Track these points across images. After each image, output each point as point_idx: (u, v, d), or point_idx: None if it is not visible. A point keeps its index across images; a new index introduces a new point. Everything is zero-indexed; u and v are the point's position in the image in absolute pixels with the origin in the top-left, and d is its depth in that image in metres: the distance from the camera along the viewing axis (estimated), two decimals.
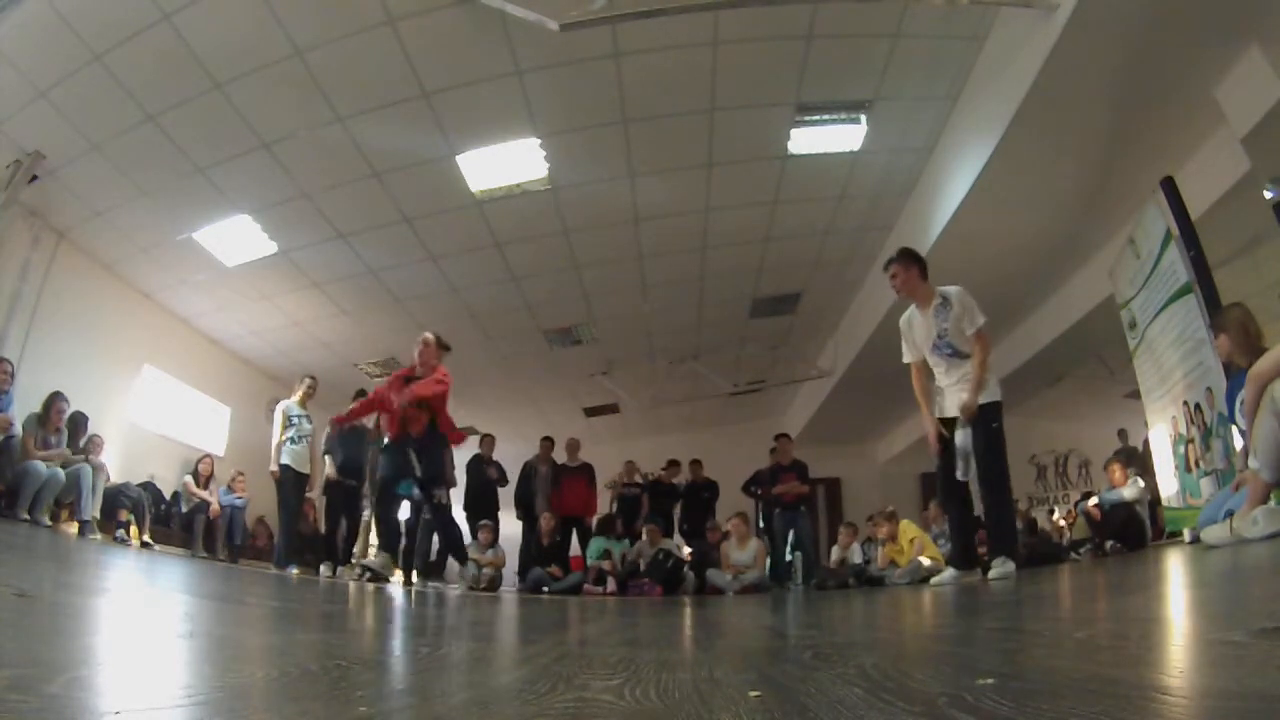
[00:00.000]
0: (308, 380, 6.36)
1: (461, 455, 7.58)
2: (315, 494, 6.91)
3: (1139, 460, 6.81)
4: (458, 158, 5.69)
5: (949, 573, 3.91)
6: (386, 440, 4.89)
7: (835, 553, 7.39)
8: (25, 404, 5.57)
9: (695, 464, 8.39)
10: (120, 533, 6.01)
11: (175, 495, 7.15)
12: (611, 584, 6.96)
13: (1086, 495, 7.93)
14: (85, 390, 6.22)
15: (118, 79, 4.71)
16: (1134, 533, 5.76)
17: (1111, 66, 4.09)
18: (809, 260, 7.48)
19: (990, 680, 0.76)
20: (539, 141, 5.60)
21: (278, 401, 6.39)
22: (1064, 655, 1.02)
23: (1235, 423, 3.49)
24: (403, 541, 6.38)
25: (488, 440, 7.79)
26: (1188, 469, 4.57)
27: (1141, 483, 6.01)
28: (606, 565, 7.03)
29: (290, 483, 6.01)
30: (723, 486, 8.25)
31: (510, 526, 7.72)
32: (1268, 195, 3.98)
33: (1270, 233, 4.01)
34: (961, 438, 3.62)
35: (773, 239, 7.00)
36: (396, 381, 4.79)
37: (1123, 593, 2.22)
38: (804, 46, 4.80)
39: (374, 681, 0.99)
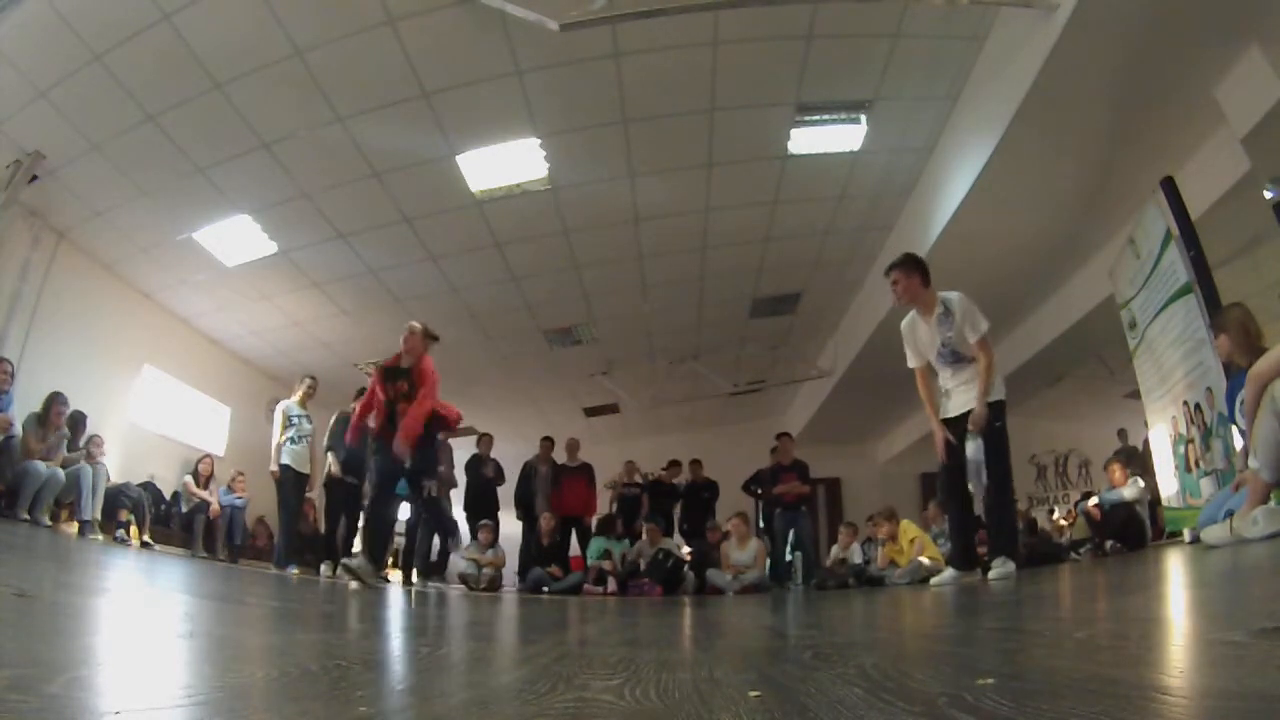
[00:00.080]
0: (308, 380, 6.37)
1: (460, 456, 7.59)
2: (315, 494, 6.92)
3: (1139, 460, 6.81)
4: (458, 158, 5.69)
5: (949, 573, 3.91)
6: (375, 436, 4.79)
7: (835, 552, 7.39)
8: (25, 404, 5.56)
9: (695, 464, 8.39)
10: (120, 533, 6.01)
11: (175, 495, 7.15)
12: (612, 584, 6.96)
13: (1086, 495, 7.92)
14: (85, 390, 6.22)
15: (118, 79, 4.71)
16: (1134, 533, 5.76)
17: (1111, 66, 4.09)
18: (809, 260, 7.48)
19: (990, 680, 0.76)
20: (539, 141, 5.60)
21: (278, 401, 6.39)
22: (1064, 655, 1.02)
23: (1235, 423, 3.49)
24: (400, 543, 6.38)
25: (485, 439, 7.79)
26: (1188, 469, 4.57)
27: (1141, 483, 6.01)
28: (607, 565, 7.03)
29: (290, 483, 6.01)
30: (723, 486, 8.25)
31: (510, 526, 7.72)
32: (1268, 195, 3.98)
33: (1270, 233, 4.01)
34: (974, 450, 3.57)
35: (773, 239, 7.00)
36: (380, 375, 4.75)
37: (1123, 593, 2.22)
38: (804, 46, 4.80)
39: (374, 681, 0.99)
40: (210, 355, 8.40)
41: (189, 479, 7.13)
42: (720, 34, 4.66)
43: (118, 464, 6.51)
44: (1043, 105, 4.30)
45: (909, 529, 6.23)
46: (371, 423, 4.80)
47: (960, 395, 3.79)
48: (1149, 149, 4.72)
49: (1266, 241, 4.25)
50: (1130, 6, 3.67)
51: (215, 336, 8.34)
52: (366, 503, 4.84)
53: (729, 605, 4.29)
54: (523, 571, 7.25)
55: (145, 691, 0.77)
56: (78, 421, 5.99)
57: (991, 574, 3.51)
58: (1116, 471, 6.25)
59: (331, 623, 2.10)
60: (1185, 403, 4.50)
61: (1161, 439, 5.08)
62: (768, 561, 7.13)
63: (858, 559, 7.05)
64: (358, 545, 5.88)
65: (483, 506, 7.43)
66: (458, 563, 7.05)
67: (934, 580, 4.16)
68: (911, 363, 3.97)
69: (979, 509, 3.69)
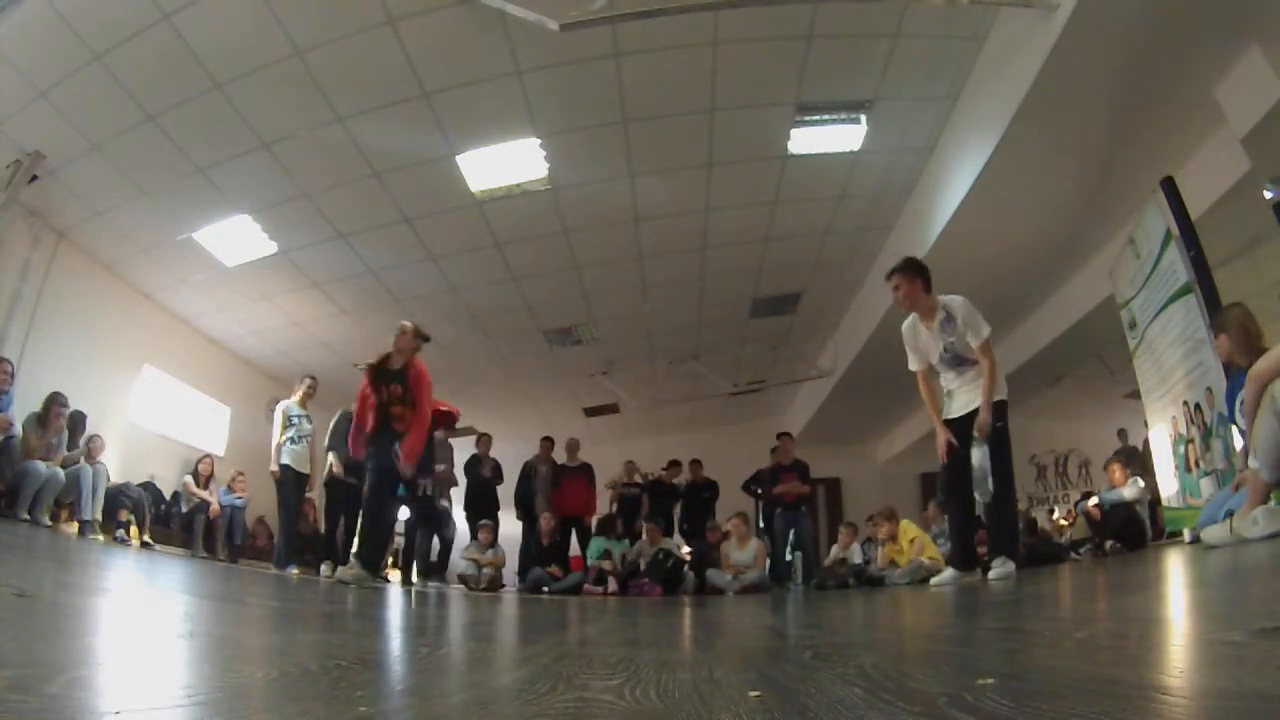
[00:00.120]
0: (308, 380, 6.36)
1: (460, 456, 7.59)
2: (315, 494, 6.91)
3: (1139, 460, 6.81)
4: (458, 158, 5.69)
5: (949, 573, 3.91)
6: (370, 439, 4.74)
7: (835, 551, 7.38)
8: (25, 404, 5.56)
9: (695, 464, 8.39)
10: (120, 533, 6.01)
11: (175, 495, 7.15)
12: (612, 584, 6.96)
13: (1086, 495, 7.92)
14: (85, 390, 6.22)
15: (118, 79, 4.71)
16: (1134, 533, 5.75)
17: (1111, 66, 4.09)
18: (809, 260, 7.48)
19: (990, 680, 0.76)
20: (539, 141, 5.60)
21: (278, 401, 6.39)
22: (1064, 655, 1.02)
23: (1235, 423, 3.49)
24: (399, 543, 6.37)
25: (484, 439, 7.79)
26: (1188, 469, 4.57)
27: (1141, 483, 6.01)
28: (607, 565, 7.03)
29: (290, 483, 6.01)
30: (723, 486, 8.26)
31: (510, 526, 7.72)
32: (1268, 195, 3.98)
33: (1270, 233, 4.01)
34: (979, 457, 3.56)
35: (773, 239, 7.00)
36: (371, 375, 4.72)
37: (1123, 593, 2.22)
38: (804, 46, 4.80)
39: (374, 681, 0.99)
40: (210, 355, 8.40)
41: (189, 479, 7.13)
42: (720, 34, 4.66)
43: (118, 464, 6.51)
44: (1043, 105, 4.30)
45: (909, 529, 6.23)
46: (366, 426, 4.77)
47: (963, 396, 3.79)
48: (1149, 149, 4.72)
49: (1266, 241, 4.25)
50: (1130, 6, 3.67)
51: (215, 336, 8.34)
52: (363, 505, 4.80)
53: (729, 605, 4.29)
54: (523, 571, 7.25)
55: (145, 691, 0.77)
56: (77, 421, 5.99)
57: (991, 574, 3.51)
58: (1116, 471, 6.24)
59: (331, 623, 2.11)
60: (1185, 403, 4.50)
61: (1161, 439, 5.08)
62: (768, 561, 7.13)
63: (858, 559, 7.04)
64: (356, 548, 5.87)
65: (483, 506, 7.43)
66: (458, 563, 7.05)
67: (934, 580, 4.16)
68: (913, 366, 3.96)
69: (980, 510, 3.69)
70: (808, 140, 5.71)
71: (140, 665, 0.95)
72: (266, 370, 9.03)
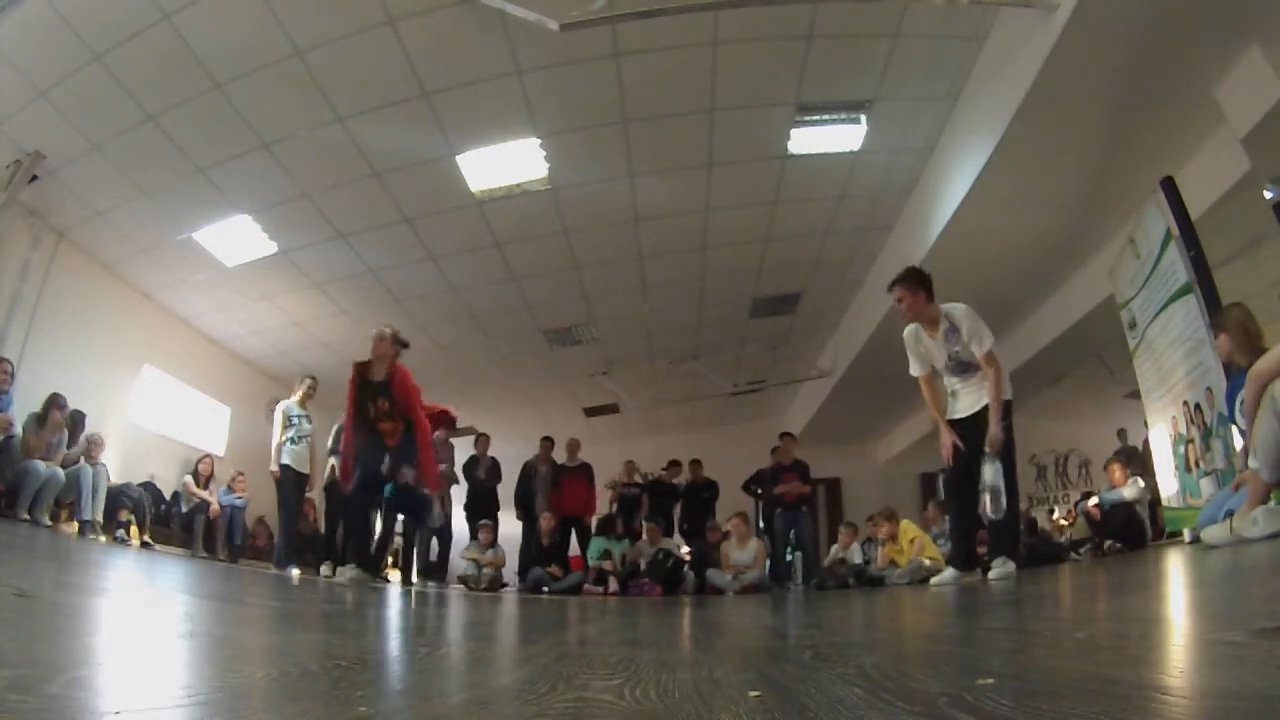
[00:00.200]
0: (308, 380, 6.36)
1: (460, 456, 7.59)
2: (315, 494, 6.91)
3: (1139, 460, 6.80)
4: (458, 158, 5.69)
5: (949, 573, 3.91)
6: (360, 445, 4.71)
7: (835, 551, 7.38)
8: (25, 404, 5.56)
9: (695, 464, 8.39)
10: (120, 533, 6.01)
11: (175, 495, 7.15)
12: (613, 584, 6.96)
13: (1086, 495, 7.92)
14: (85, 390, 6.22)
15: (118, 79, 4.71)
16: (1134, 533, 5.76)
17: (1111, 66, 4.08)
18: (809, 260, 7.48)
19: (990, 680, 0.76)
20: (539, 141, 5.60)
21: (278, 401, 6.38)
22: (1064, 655, 1.02)
23: (1235, 423, 3.49)
24: (399, 543, 6.34)
25: (482, 439, 7.79)
26: (1188, 469, 4.57)
27: (1141, 483, 6.01)
28: (607, 565, 7.03)
29: (290, 483, 6.00)
30: (723, 486, 8.26)
31: (510, 526, 7.72)
32: (1268, 195, 3.98)
33: (1270, 233, 4.01)
34: (991, 474, 3.53)
35: (773, 239, 7.00)
36: (355, 378, 4.67)
37: (1123, 593, 2.22)
38: (804, 46, 4.80)
39: (374, 681, 0.99)
40: (210, 355, 8.40)
41: (189, 479, 7.13)
42: (720, 34, 4.66)
43: (118, 464, 6.51)
44: (1043, 105, 4.30)
45: (909, 529, 6.23)
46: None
47: (968, 397, 3.78)
48: (1149, 149, 4.72)
49: (1266, 241, 4.25)
50: (1130, 6, 3.67)
51: (215, 336, 8.34)
52: (347, 507, 4.76)
53: (729, 605, 4.30)
54: (523, 571, 7.25)
55: (145, 691, 0.77)
56: (77, 421, 5.99)
57: (991, 574, 3.51)
58: (1116, 471, 6.24)
59: (331, 623, 2.11)
60: (1185, 403, 4.50)
61: (1161, 439, 5.08)
62: (768, 561, 7.13)
63: (858, 559, 7.04)
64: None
65: (482, 506, 7.43)
66: (458, 563, 7.06)
67: (934, 580, 4.16)
68: (915, 371, 3.94)
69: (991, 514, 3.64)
70: (808, 140, 5.71)
71: (140, 665, 0.95)
72: (266, 370, 9.03)
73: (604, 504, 8.18)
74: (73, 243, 6.37)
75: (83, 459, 5.82)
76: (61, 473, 5.49)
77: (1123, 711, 0.58)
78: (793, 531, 7.27)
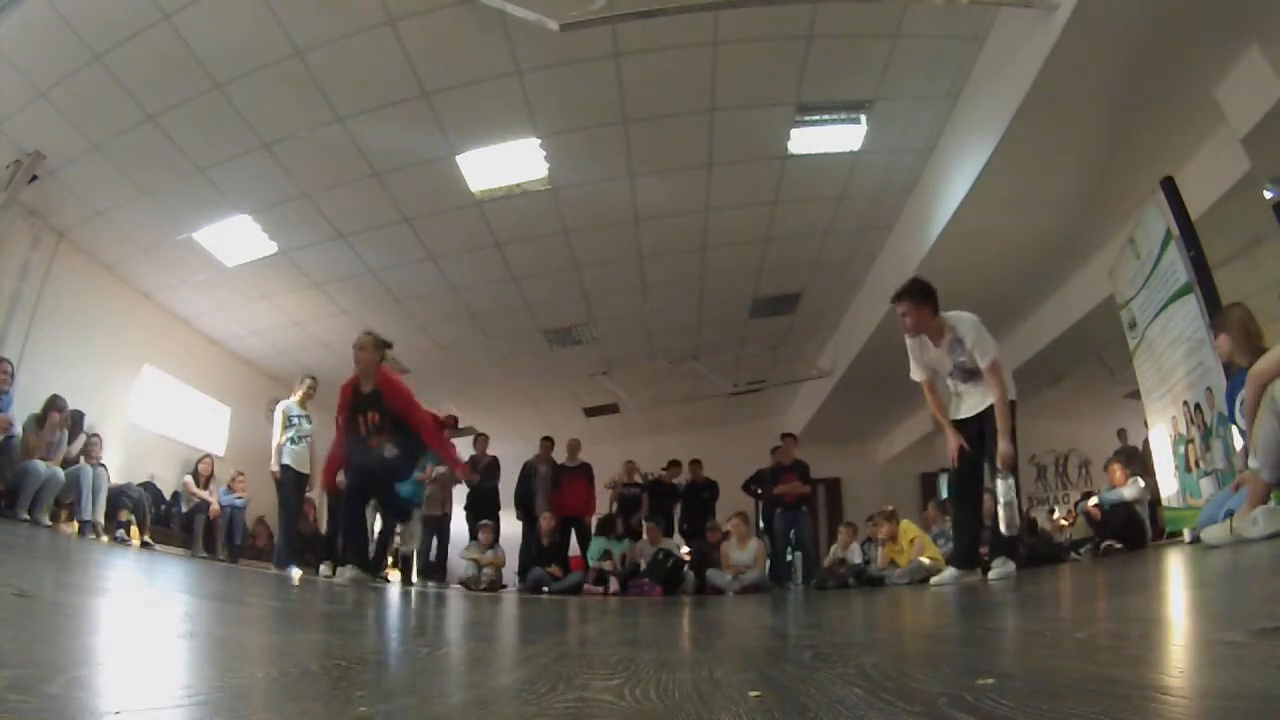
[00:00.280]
0: (308, 380, 6.36)
1: (459, 456, 7.59)
2: (315, 494, 6.91)
3: (1139, 460, 6.80)
4: (458, 158, 5.69)
5: (949, 573, 3.91)
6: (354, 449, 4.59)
7: (835, 551, 7.38)
8: (25, 404, 5.56)
9: (695, 464, 8.39)
10: (120, 533, 6.01)
11: (175, 495, 7.15)
12: (613, 584, 6.96)
13: (1086, 495, 7.92)
14: (85, 390, 6.22)
15: (118, 79, 4.70)
16: (1134, 533, 5.75)
17: (1111, 66, 4.08)
18: (809, 260, 7.48)
19: (990, 680, 0.76)
20: (539, 141, 5.60)
21: (278, 401, 6.39)
22: (1064, 655, 1.02)
23: (1235, 423, 3.48)
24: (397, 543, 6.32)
25: (480, 440, 7.79)
26: (1188, 469, 4.57)
27: (1141, 483, 6.01)
28: (607, 565, 7.03)
29: (290, 483, 6.01)
30: (723, 486, 8.26)
31: (510, 526, 7.72)
32: (1268, 195, 3.98)
33: (1270, 233, 4.01)
34: (1005, 490, 3.51)
35: (773, 239, 7.00)
36: (346, 395, 4.54)
37: (1123, 593, 2.22)
38: (804, 46, 4.80)
39: (374, 681, 0.99)
40: (210, 355, 8.40)
41: (189, 479, 7.13)
42: (720, 34, 4.66)
43: (118, 464, 6.51)
44: (1043, 105, 4.30)
45: (909, 529, 6.23)
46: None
47: (972, 398, 3.78)
48: (1149, 149, 4.72)
49: (1266, 241, 4.25)
50: (1130, 6, 3.67)
51: (215, 336, 8.34)
52: (341, 507, 4.72)
53: (729, 605, 4.30)
54: (523, 571, 7.26)
55: (145, 691, 0.77)
56: (76, 420, 5.99)
57: (991, 574, 3.51)
58: (1116, 471, 6.24)
59: (331, 623, 2.10)
60: (1185, 403, 4.50)
61: (1161, 439, 5.08)
62: (768, 561, 7.13)
63: (857, 559, 7.04)
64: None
65: (483, 506, 7.43)
66: (458, 563, 7.06)
67: (934, 580, 4.17)
68: (916, 376, 3.93)
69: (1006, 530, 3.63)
70: (808, 140, 5.70)
71: (140, 665, 0.95)
72: (266, 370, 9.02)
73: (604, 504, 8.18)
74: (73, 243, 6.36)
75: (83, 459, 5.82)
76: (61, 473, 5.49)
77: (1123, 711, 0.58)
78: (793, 531, 7.28)
